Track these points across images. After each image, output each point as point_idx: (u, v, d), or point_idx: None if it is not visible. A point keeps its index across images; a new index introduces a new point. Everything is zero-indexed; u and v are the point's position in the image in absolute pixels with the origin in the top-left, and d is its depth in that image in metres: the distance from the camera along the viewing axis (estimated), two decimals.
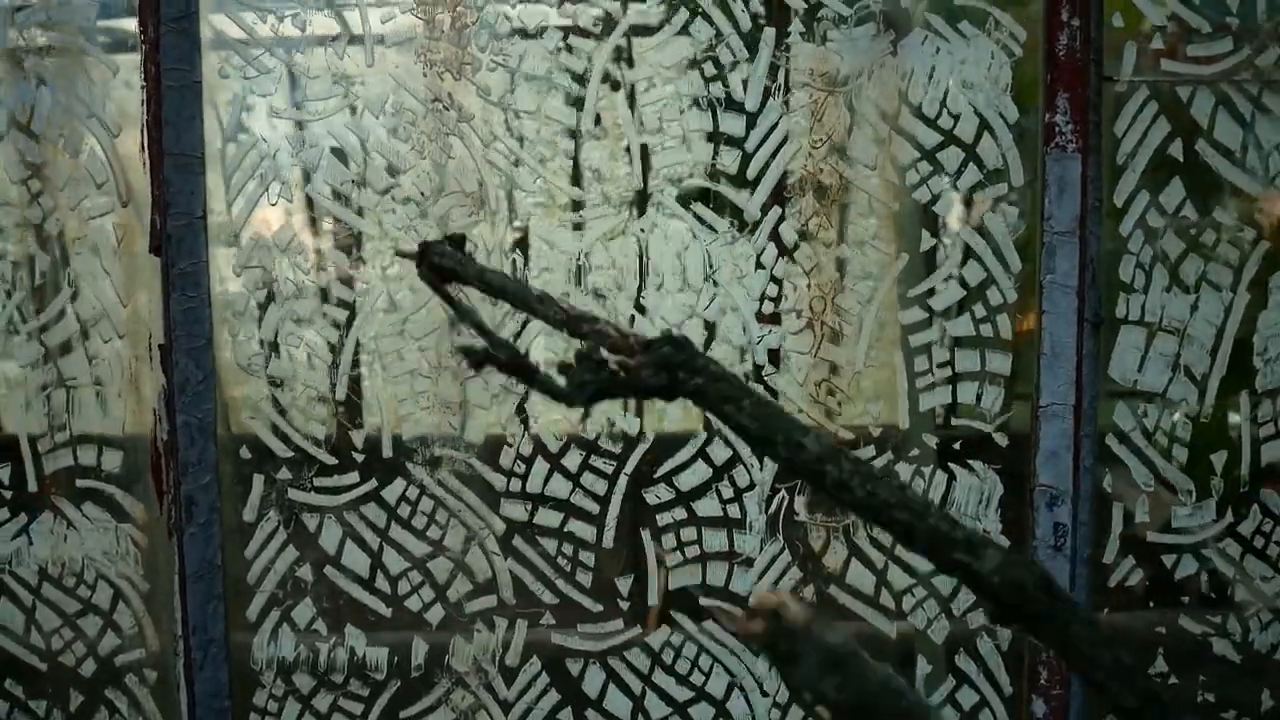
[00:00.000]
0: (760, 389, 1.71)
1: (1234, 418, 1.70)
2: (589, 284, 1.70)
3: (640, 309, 1.70)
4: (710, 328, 1.71)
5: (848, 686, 0.62)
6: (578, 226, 1.70)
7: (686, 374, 0.73)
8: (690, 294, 1.70)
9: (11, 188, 1.68)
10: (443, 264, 0.99)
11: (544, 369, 0.74)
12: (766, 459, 1.72)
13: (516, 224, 1.70)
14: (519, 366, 0.74)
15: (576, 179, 1.69)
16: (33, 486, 1.73)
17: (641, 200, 1.69)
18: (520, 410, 1.71)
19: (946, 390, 1.72)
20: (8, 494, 1.74)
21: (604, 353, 0.73)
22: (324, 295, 1.71)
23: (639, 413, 1.73)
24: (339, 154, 1.68)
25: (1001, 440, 1.72)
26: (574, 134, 1.68)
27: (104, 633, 1.76)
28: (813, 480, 0.69)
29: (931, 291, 1.71)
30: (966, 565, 0.64)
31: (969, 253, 1.70)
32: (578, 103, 1.67)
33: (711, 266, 1.69)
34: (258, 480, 1.72)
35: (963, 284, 1.71)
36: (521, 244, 1.70)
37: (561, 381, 0.73)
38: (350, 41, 1.65)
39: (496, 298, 0.90)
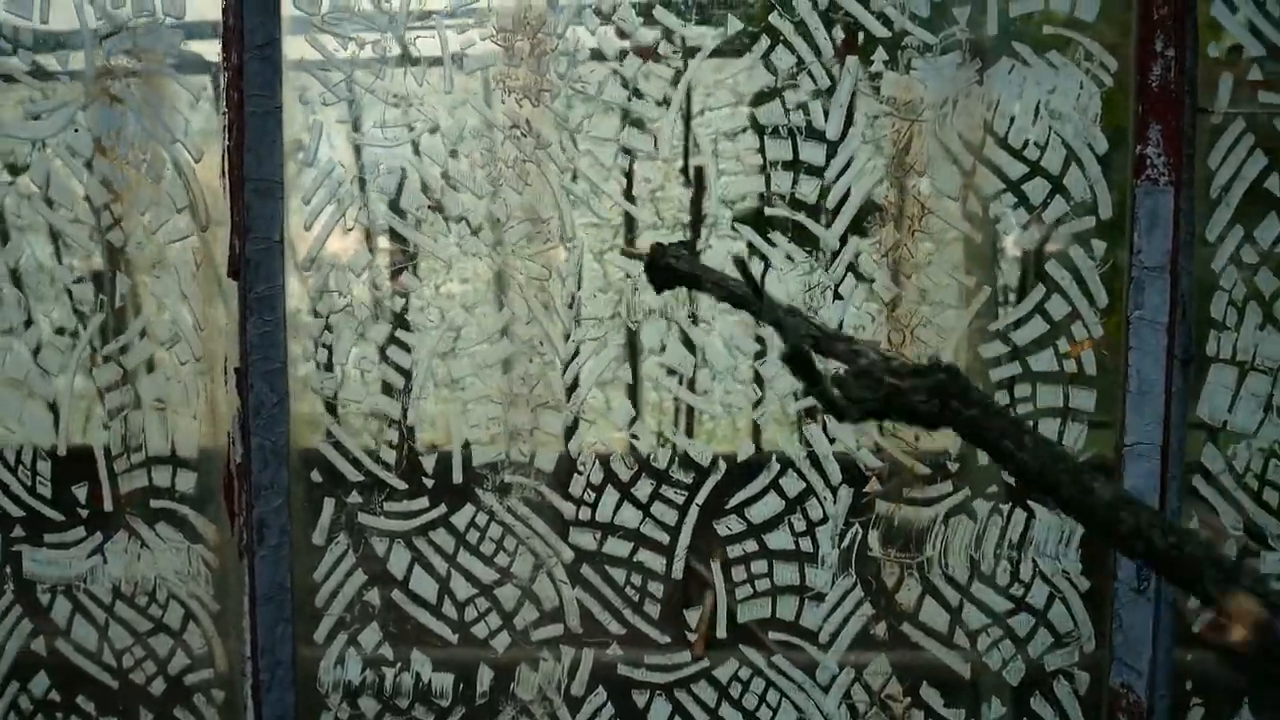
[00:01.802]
0: (834, 421, 1.68)
1: None
2: (667, 314, 1.68)
3: (718, 339, 1.68)
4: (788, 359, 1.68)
5: None
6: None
7: (960, 404, 0.70)
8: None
9: (95, 211, 1.70)
10: (678, 267, 0.98)
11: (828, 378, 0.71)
12: (840, 494, 1.69)
13: (592, 252, 1.68)
14: (808, 369, 0.72)
15: (653, 207, 1.68)
16: (108, 506, 1.74)
17: (720, 227, 1.67)
18: (592, 439, 1.70)
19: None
20: (84, 512, 1.75)
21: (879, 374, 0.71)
22: (398, 320, 1.71)
23: (710, 441, 1.71)
24: (413, 179, 1.68)
25: None
26: (651, 161, 1.66)
27: (174, 652, 1.77)
28: (1104, 528, 0.65)
29: (1014, 325, 1.67)
30: None
31: (1053, 286, 1.66)
32: (655, 130, 1.66)
33: (789, 296, 1.67)
34: (328, 504, 1.72)
35: (1046, 318, 1.66)
36: (596, 272, 1.69)
37: (838, 394, 0.70)
38: (429, 67, 1.65)
39: (736, 306, 0.87)
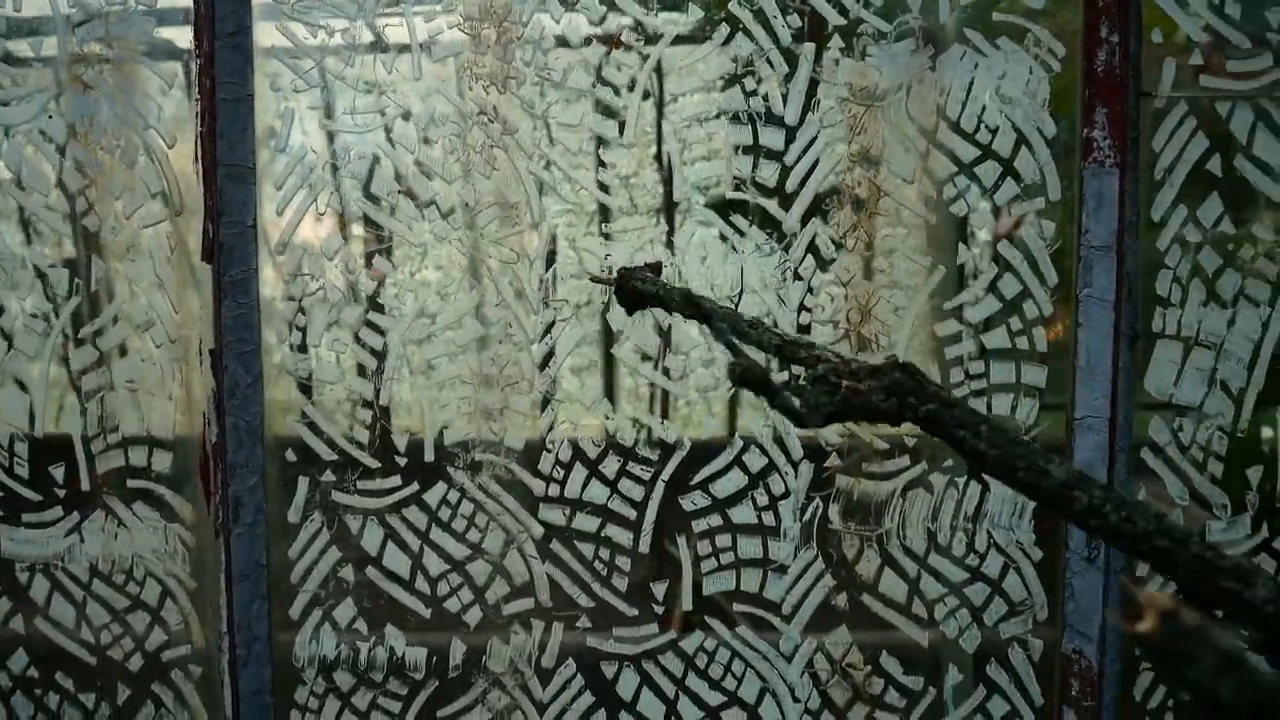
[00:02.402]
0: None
1: (1269, 432, 1.71)
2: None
3: (679, 317, 1.73)
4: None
5: (1243, 688, 0.61)
6: (616, 238, 1.73)
7: (917, 400, 0.73)
8: (729, 304, 1.73)
9: (69, 197, 1.73)
10: (644, 289, 1.02)
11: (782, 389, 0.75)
12: (802, 470, 1.74)
13: (558, 235, 1.73)
14: (762, 384, 0.75)
15: (616, 191, 1.72)
16: (85, 486, 1.78)
17: (680, 212, 1.72)
18: (560, 418, 1.74)
19: (981, 402, 1.74)
20: (61, 492, 1.79)
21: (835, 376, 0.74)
22: (369, 303, 1.74)
23: (676, 420, 1.75)
24: (385, 165, 1.72)
25: None
26: (614, 147, 1.71)
27: (152, 629, 1.80)
28: (1059, 507, 0.68)
29: (968, 304, 1.72)
30: (1237, 594, 0.63)
31: (1005, 266, 1.71)
32: (618, 116, 1.70)
33: (749, 278, 1.71)
34: (302, 482, 1.76)
35: (998, 297, 1.72)
36: (563, 255, 1.73)
37: (797, 403, 0.74)
38: (398, 54, 1.69)
39: (703, 322, 0.91)
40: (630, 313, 1.04)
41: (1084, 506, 0.66)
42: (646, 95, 1.70)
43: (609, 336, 1.74)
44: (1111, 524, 0.65)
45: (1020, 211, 1.69)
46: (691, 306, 0.95)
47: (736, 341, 0.82)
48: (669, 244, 1.72)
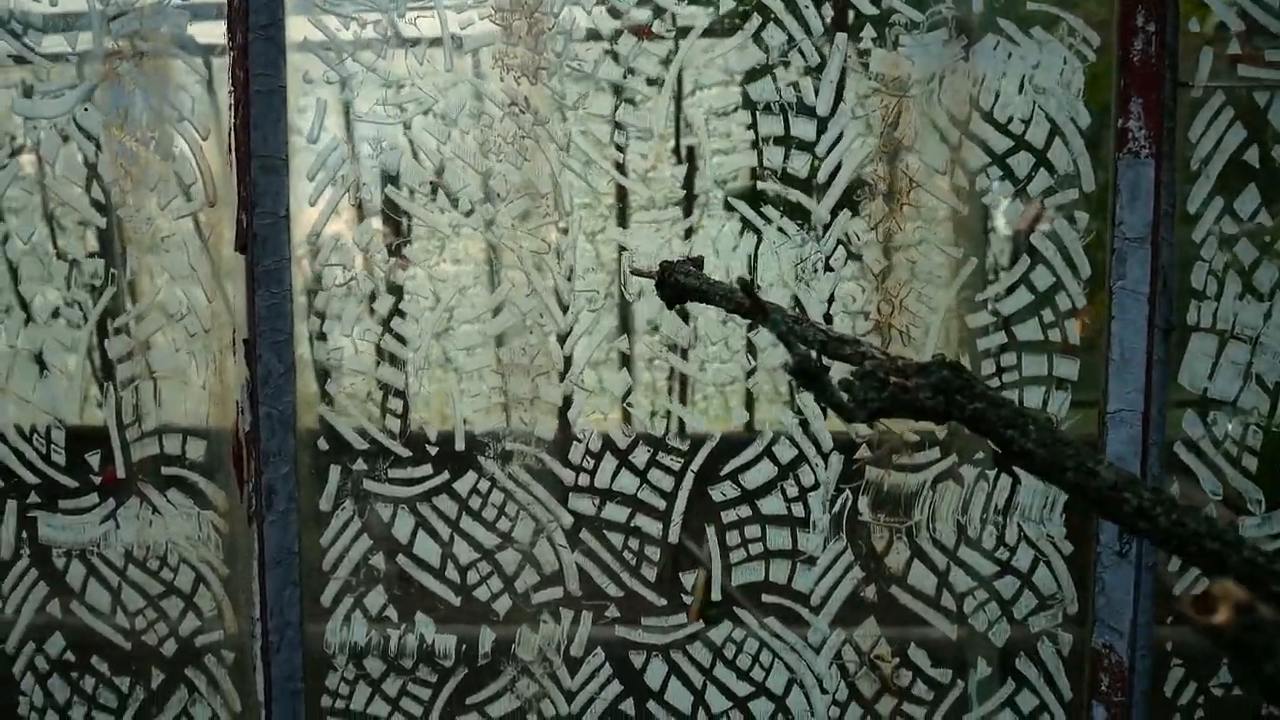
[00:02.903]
0: None
1: None
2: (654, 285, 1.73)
3: (714, 311, 1.73)
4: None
5: None
6: (643, 226, 1.73)
7: (965, 398, 0.73)
8: (763, 297, 1.72)
9: (105, 187, 1.75)
10: (687, 283, 1.02)
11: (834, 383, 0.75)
12: (831, 461, 1.74)
13: (590, 226, 1.73)
14: (814, 377, 0.75)
15: (645, 183, 1.72)
16: (120, 473, 1.80)
17: (713, 204, 1.72)
18: (591, 408, 1.75)
19: (1013, 394, 1.73)
20: (97, 480, 1.81)
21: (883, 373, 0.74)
22: (399, 293, 1.75)
23: (706, 411, 1.75)
24: (415, 156, 1.72)
25: None
26: (647, 138, 1.71)
27: (185, 615, 1.83)
28: (1108, 510, 0.67)
29: (999, 296, 1.71)
30: None
31: (1037, 257, 1.70)
32: (651, 107, 1.70)
33: (781, 269, 1.71)
34: (334, 471, 1.77)
35: (1031, 289, 1.71)
36: (594, 246, 1.74)
37: (846, 397, 0.74)
38: (430, 45, 1.69)
39: (744, 318, 0.91)
40: (670, 306, 1.04)
41: (1133, 508, 0.65)
42: (677, 85, 1.69)
43: (636, 327, 1.74)
44: (1161, 526, 0.64)
45: (1054, 203, 1.68)
46: (741, 301, 0.94)
47: (789, 335, 0.82)
48: (692, 235, 1.72)
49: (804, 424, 1.74)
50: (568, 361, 1.74)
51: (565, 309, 1.74)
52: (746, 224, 1.71)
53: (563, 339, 1.74)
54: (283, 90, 1.67)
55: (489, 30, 1.68)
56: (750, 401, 1.76)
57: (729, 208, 1.71)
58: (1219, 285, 1.68)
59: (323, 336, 1.75)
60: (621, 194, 1.73)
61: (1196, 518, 0.64)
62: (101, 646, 1.85)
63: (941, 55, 1.67)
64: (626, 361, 1.75)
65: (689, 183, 1.72)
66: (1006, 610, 1.76)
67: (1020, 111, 1.67)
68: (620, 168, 1.71)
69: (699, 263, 1.03)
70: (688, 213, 1.72)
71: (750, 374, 1.74)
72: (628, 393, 1.75)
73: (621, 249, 1.73)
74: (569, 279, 1.73)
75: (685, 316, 1.74)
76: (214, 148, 1.72)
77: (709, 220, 1.72)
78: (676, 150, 1.71)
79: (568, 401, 1.75)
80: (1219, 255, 1.68)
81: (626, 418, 1.76)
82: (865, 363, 0.77)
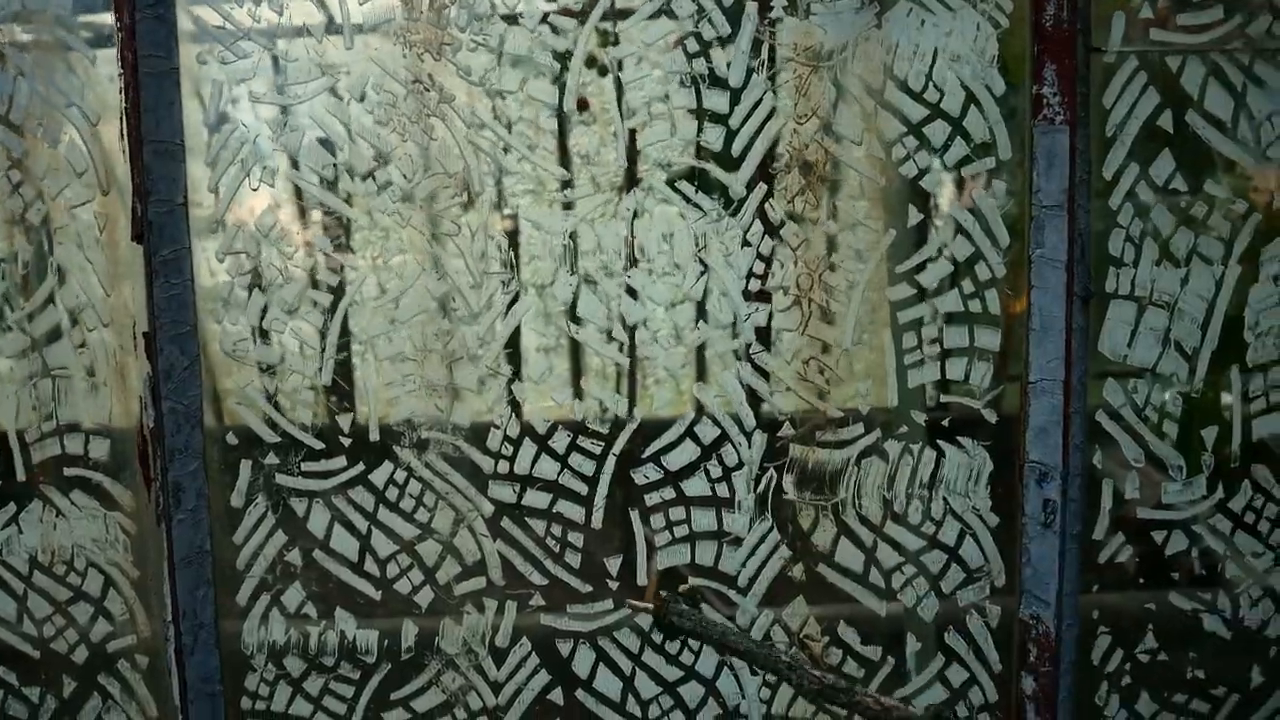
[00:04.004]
0: (747, 367, 1.70)
1: (1224, 394, 1.69)
2: (577, 267, 1.69)
3: (629, 291, 1.69)
4: (699, 307, 1.70)
5: None
6: (564, 208, 1.69)
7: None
8: (678, 274, 1.69)
9: None
10: (682, 624, 1.01)
11: None
12: (755, 440, 1.71)
13: (503, 208, 1.68)
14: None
15: (561, 160, 1.68)
16: (21, 475, 1.73)
17: (627, 180, 1.68)
18: (508, 393, 1.71)
19: (936, 367, 1.71)
20: None
21: None
22: (309, 281, 1.70)
23: (627, 393, 1.72)
24: (321, 139, 1.67)
25: (991, 417, 1.70)
26: (557, 114, 1.66)
27: (95, 619, 1.76)
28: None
29: (920, 268, 1.69)
30: None
31: (957, 228, 1.68)
32: (560, 83, 1.66)
33: (699, 245, 1.68)
34: (245, 466, 1.72)
35: (951, 260, 1.69)
36: (508, 227, 1.69)
37: None
38: (329, 26, 1.63)
39: (740, 659, 0.91)
40: (669, 639, 1.05)
41: None
42: (587, 60, 1.65)
43: (557, 311, 1.70)
44: None
45: (971, 171, 1.66)
46: (725, 646, 0.96)
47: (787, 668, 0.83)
48: (613, 213, 1.68)
49: (725, 403, 1.71)
50: (484, 344, 1.70)
51: (475, 290, 1.69)
52: (663, 200, 1.68)
53: (478, 323, 1.69)
54: (175, 72, 1.60)
55: (388, 6, 1.62)
56: (674, 383, 1.73)
57: (638, 183, 1.67)
58: (1136, 252, 1.67)
59: (226, 327, 1.69)
60: (541, 173, 1.68)
61: None
62: (9, 656, 1.78)
63: (854, 23, 1.64)
64: (547, 345, 1.71)
65: (609, 160, 1.67)
66: (935, 585, 1.75)
67: (936, 80, 1.65)
68: (537, 147, 1.67)
69: (694, 600, 1.05)
70: (608, 190, 1.68)
71: (672, 354, 1.71)
72: (548, 374, 1.71)
73: (533, 231, 1.69)
74: (480, 260, 1.68)
75: (606, 300, 1.70)
76: (104, 134, 1.65)
77: (626, 198, 1.68)
78: (613, 127, 1.67)
79: (484, 387, 1.71)
80: (1136, 222, 1.67)
81: (549, 403, 1.72)
82: (863, 712, 0.77)
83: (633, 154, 1.67)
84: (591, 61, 1.65)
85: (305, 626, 1.75)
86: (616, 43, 1.65)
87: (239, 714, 1.76)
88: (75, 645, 1.77)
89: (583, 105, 1.66)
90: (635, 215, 1.68)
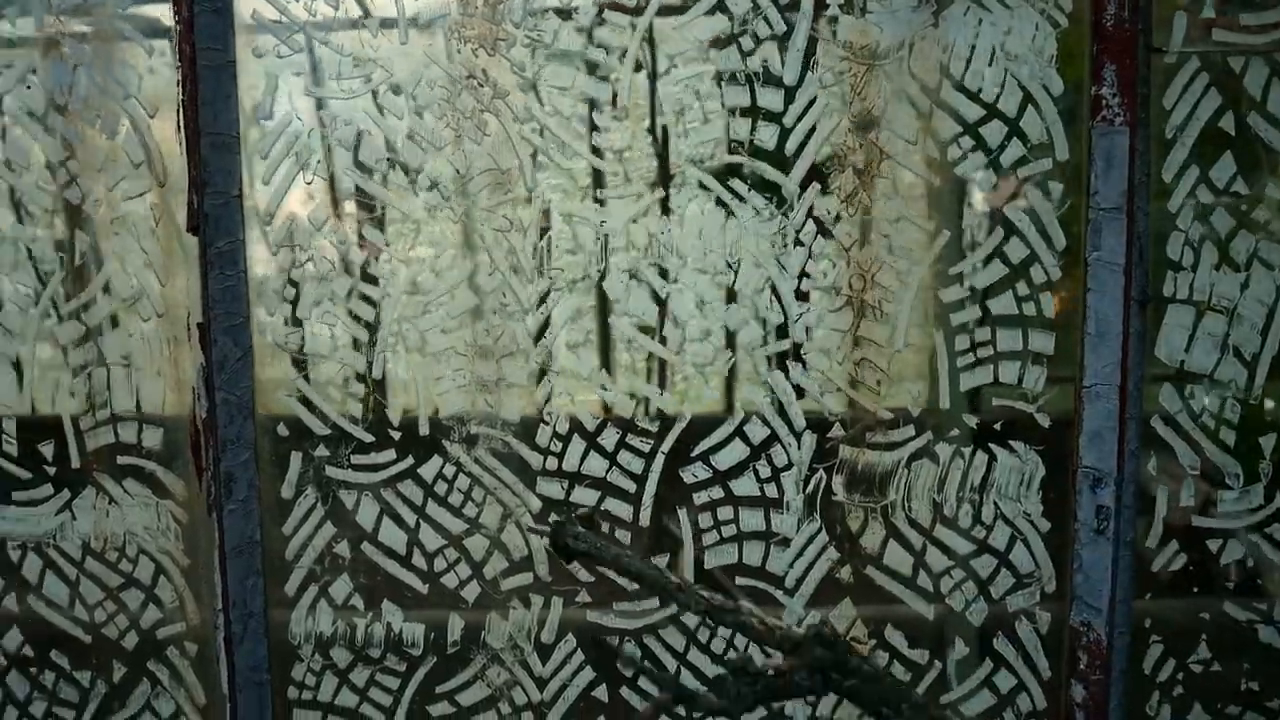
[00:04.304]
0: (798, 368, 1.69)
1: None
2: (625, 263, 1.69)
3: (680, 289, 1.69)
4: (750, 306, 1.69)
5: None
6: (616, 204, 1.68)
7: (839, 675, 0.73)
8: (729, 272, 1.68)
9: (50, 170, 1.69)
10: (577, 547, 1.02)
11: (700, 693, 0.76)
12: (805, 441, 1.70)
13: (552, 202, 1.68)
14: (684, 696, 0.76)
15: (611, 156, 1.67)
16: (75, 463, 1.75)
17: (678, 177, 1.67)
18: (557, 390, 1.71)
19: (988, 370, 1.69)
20: (51, 470, 1.76)
21: (755, 658, 0.75)
22: (360, 274, 1.71)
23: (676, 391, 1.72)
24: (372, 133, 1.67)
25: (1043, 421, 1.69)
26: (608, 110, 1.66)
27: (145, 606, 1.78)
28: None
29: (973, 269, 1.67)
30: None
31: (1012, 230, 1.66)
32: (612, 79, 1.65)
33: (749, 243, 1.67)
34: (295, 457, 1.73)
35: (1005, 262, 1.67)
36: (556, 222, 1.69)
37: (719, 700, 0.74)
38: (383, 20, 1.64)
39: (633, 581, 0.92)
40: (567, 561, 1.06)
41: None
42: (639, 57, 1.64)
43: (606, 307, 1.70)
44: None
45: (1027, 173, 1.64)
46: (619, 567, 0.97)
47: (645, 667, 0.86)
48: (665, 211, 1.67)
49: (776, 403, 1.70)
50: (536, 342, 1.70)
51: (533, 288, 1.69)
52: (717, 200, 1.67)
53: (529, 319, 1.70)
54: (232, 66, 1.61)
55: (443, 2, 1.63)
56: (723, 382, 1.72)
57: (692, 182, 1.67)
58: (1195, 256, 1.65)
59: (281, 319, 1.70)
60: (589, 171, 1.68)
61: None
62: (61, 640, 1.80)
63: (911, 22, 1.62)
64: (597, 342, 1.71)
65: (660, 157, 1.67)
66: (984, 589, 1.73)
67: (992, 79, 1.63)
68: (589, 144, 1.66)
69: (589, 520, 1.04)
70: (657, 188, 1.67)
71: (722, 354, 1.70)
72: (598, 371, 1.71)
73: (580, 228, 1.69)
74: (534, 256, 1.68)
75: (655, 298, 1.69)
76: (162, 126, 1.66)
77: (678, 196, 1.67)
78: (651, 121, 1.66)
79: (535, 383, 1.71)
80: (1195, 225, 1.64)
81: (598, 399, 1.72)
82: (748, 629, 0.77)
83: (684, 151, 1.66)
84: (644, 57, 1.64)
85: (352, 618, 1.76)
86: (668, 39, 1.64)
87: (285, 703, 1.78)
88: (125, 631, 1.79)
89: (634, 101, 1.66)
90: (684, 211, 1.67)
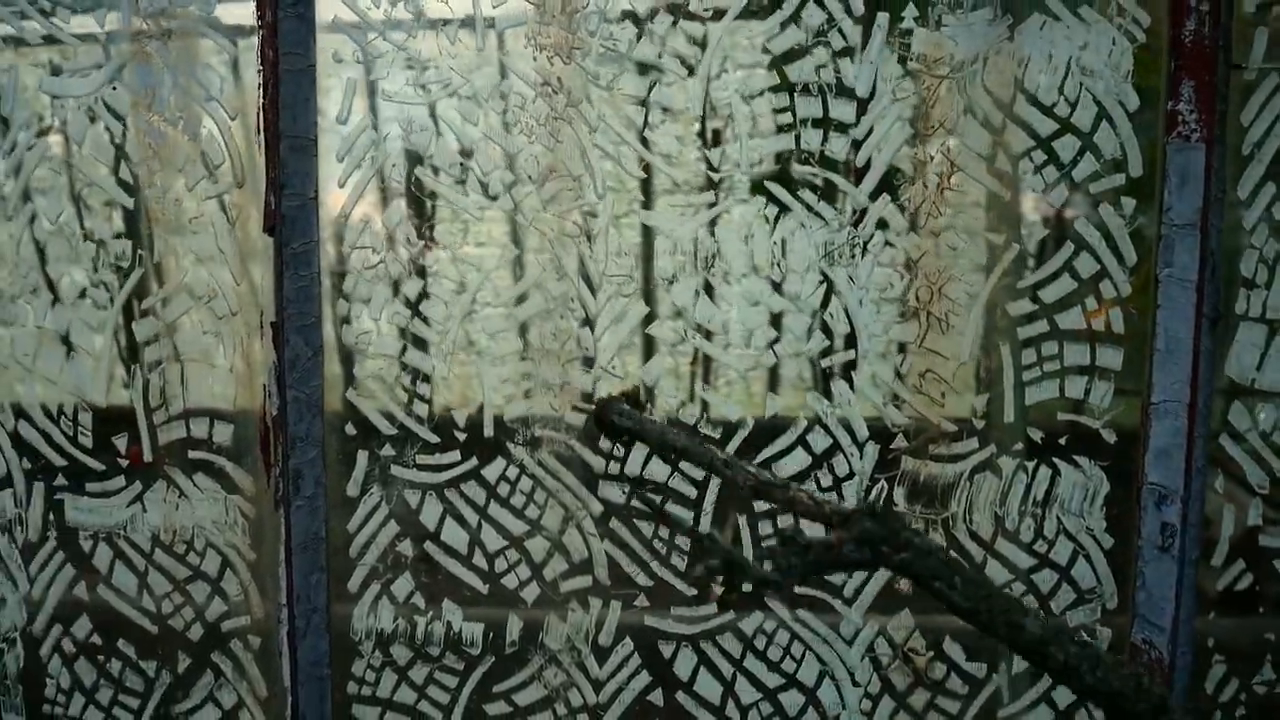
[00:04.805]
0: (863, 377, 1.69)
1: None
2: (696, 271, 1.70)
3: (748, 297, 1.70)
4: (817, 316, 1.70)
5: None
6: (688, 213, 1.70)
7: (890, 549, 0.72)
8: (795, 281, 1.69)
9: (133, 168, 1.73)
10: (621, 424, 1.02)
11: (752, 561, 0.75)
12: (867, 451, 1.71)
13: (625, 212, 1.70)
14: (734, 564, 0.75)
15: (678, 164, 1.69)
16: (147, 456, 1.79)
17: (752, 187, 1.68)
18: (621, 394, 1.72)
19: (1054, 384, 1.69)
20: (124, 462, 1.80)
21: (804, 529, 0.74)
22: (429, 276, 1.73)
23: (739, 399, 1.72)
24: (450, 138, 1.69)
25: (1109, 437, 1.68)
26: (683, 119, 1.67)
27: (211, 599, 1.82)
28: (1034, 661, 0.66)
29: (1042, 283, 1.67)
30: None
31: (1082, 244, 1.66)
32: (687, 88, 1.66)
33: (820, 254, 1.68)
34: (362, 456, 1.76)
35: (1074, 276, 1.67)
36: (628, 230, 1.70)
37: (770, 569, 0.73)
38: (461, 25, 1.66)
39: (680, 459, 0.92)
40: (611, 440, 1.06)
41: (1058, 664, 0.64)
42: (715, 66, 1.65)
43: (675, 314, 1.71)
44: (1087, 683, 0.63)
45: (1100, 188, 1.63)
46: (665, 444, 0.96)
47: (692, 528, 0.84)
48: (732, 220, 1.68)
49: (838, 412, 1.71)
50: (598, 345, 1.72)
51: (596, 293, 1.71)
52: (782, 208, 1.68)
53: (592, 324, 1.71)
54: (312, 70, 1.64)
55: (521, 9, 1.65)
56: (787, 390, 1.72)
57: (761, 191, 1.67)
58: (1269, 273, 1.63)
59: (350, 320, 1.73)
60: (652, 177, 1.69)
61: (1123, 676, 0.62)
62: (128, 629, 1.84)
63: (986, 35, 1.62)
64: (654, 347, 1.72)
65: (719, 167, 1.68)
66: (1044, 604, 1.72)
67: (1067, 94, 1.63)
68: (652, 149, 1.68)
69: (634, 399, 1.04)
70: (725, 197, 1.68)
71: (782, 361, 1.71)
72: (660, 378, 1.72)
73: (634, 235, 1.70)
74: (602, 262, 1.70)
75: (717, 305, 1.70)
76: (241, 128, 1.69)
77: (746, 206, 1.68)
78: (702, 133, 1.68)
79: (599, 388, 1.72)
80: (1270, 243, 1.63)
81: (661, 405, 1.73)
82: (797, 505, 0.76)
83: (756, 161, 1.67)
84: (717, 66, 1.65)
85: (413, 616, 1.79)
86: (744, 49, 1.65)
87: (345, 698, 1.80)
88: (191, 623, 1.82)
89: (704, 110, 1.67)
90: (755, 223, 1.68)
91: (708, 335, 1.71)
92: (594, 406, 1.08)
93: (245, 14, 1.66)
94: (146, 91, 1.70)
